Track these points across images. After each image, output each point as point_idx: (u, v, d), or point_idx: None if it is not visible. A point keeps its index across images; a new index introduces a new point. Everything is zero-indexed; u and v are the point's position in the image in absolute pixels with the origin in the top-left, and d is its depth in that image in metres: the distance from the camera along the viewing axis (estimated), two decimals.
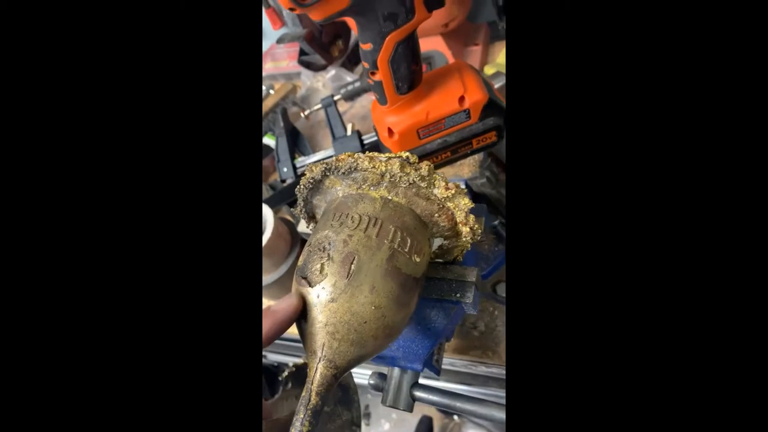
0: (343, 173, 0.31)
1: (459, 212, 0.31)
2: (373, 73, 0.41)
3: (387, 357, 0.39)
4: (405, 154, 0.30)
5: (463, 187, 0.49)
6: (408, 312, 0.31)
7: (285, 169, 0.73)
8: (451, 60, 0.72)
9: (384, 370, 0.43)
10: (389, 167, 0.30)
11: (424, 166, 0.30)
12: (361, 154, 0.31)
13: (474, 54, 0.75)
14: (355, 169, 0.31)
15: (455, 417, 1.13)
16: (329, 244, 0.29)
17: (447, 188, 0.30)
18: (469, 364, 0.55)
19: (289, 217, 0.71)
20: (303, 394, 0.27)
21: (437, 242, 0.34)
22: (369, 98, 0.78)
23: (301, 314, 0.29)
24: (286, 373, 0.56)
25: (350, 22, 0.55)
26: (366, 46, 0.39)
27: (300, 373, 0.56)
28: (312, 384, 0.27)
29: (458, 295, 0.36)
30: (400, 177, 0.30)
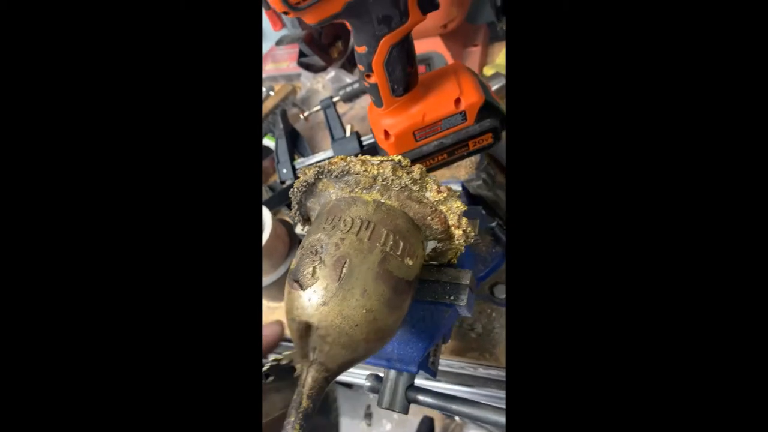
0: (336, 176, 0.31)
1: (451, 215, 0.31)
2: (368, 76, 0.41)
3: (382, 359, 0.39)
4: (397, 158, 0.31)
5: (459, 189, 0.49)
6: (400, 315, 0.31)
7: (284, 171, 0.73)
8: (450, 61, 0.72)
9: (380, 371, 0.43)
10: (381, 170, 0.30)
11: (416, 170, 0.30)
12: (353, 158, 0.31)
13: (473, 55, 0.75)
14: (348, 172, 0.31)
15: (456, 417, 1.13)
16: (321, 247, 0.30)
17: (439, 191, 0.30)
18: (466, 366, 0.55)
19: (288, 219, 0.72)
20: (294, 397, 0.27)
21: (431, 245, 0.34)
22: (368, 99, 0.78)
23: (293, 317, 0.29)
24: (266, 367, 0.55)
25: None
26: (361, 49, 0.39)
27: (281, 368, 0.56)
28: (303, 387, 0.27)
29: (452, 297, 0.36)
30: (392, 180, 0.30)
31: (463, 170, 0.49)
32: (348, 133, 0.69)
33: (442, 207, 0.31)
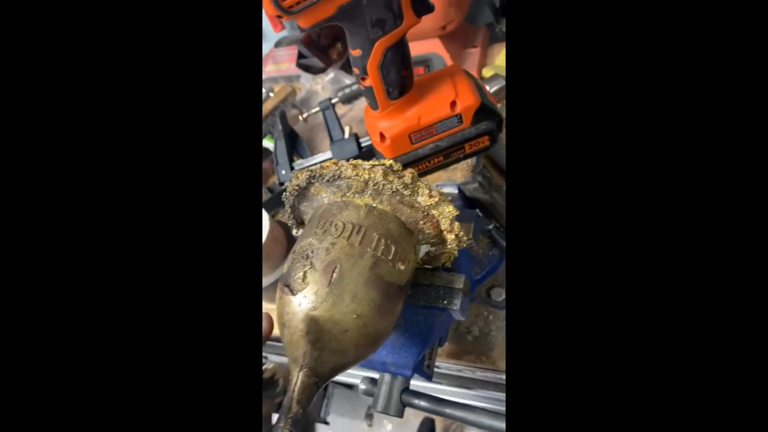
0: (328, 181, 0.31)
1: (444, 220, 0.31)
2: (363, 79, 0.41)
3: (377, 362, 0.39)
4: (389, 162, 0.30)
5: (455, 191, 0.49)
6: (391, 320, 0.31)
7: (283, 172, 0.73)
8: (449, 62, 0.71)
9: (376, 374, 0.43)
10: (372, 175, 0.30)
11: (408, 174, 0.30)
12: (344, 162, 0.31)
13: (473, 56, 0.75)
14: (339, 176, 0.31)
15: None
16: (312, 251, 0.30)
17: (431, 196, 0.30)
18: (463, 369, 0.55)
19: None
20: (284, 402, 0.27)
21: (424, 249, 0.34)
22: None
23: (283, 322, 0.29)
24: None
25: None
26: (355, 52, 0.39)
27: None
28: (293, 392, 0.27)
29: (446, 302, 0.36)
30: (384, 185, 0.30)
31: (459, 173, 0.49)
32: (347, 135, 0.69)
33: (434, 211, 0.31)
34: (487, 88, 0.66)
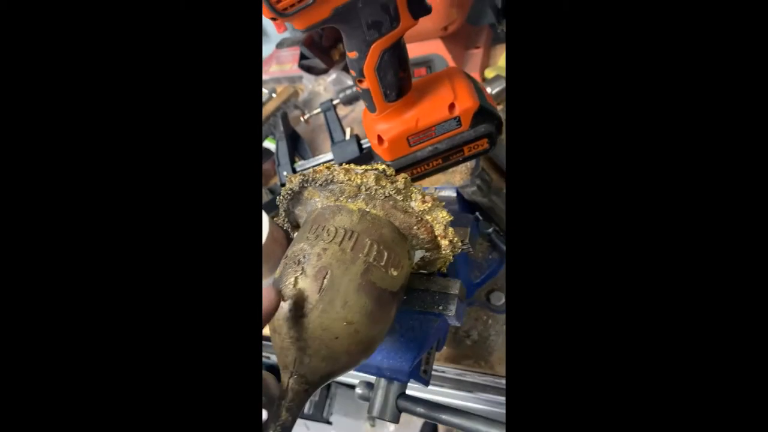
0: (320, 185, 0.31)
1: (437, 225, 0.31)
2: (360, 81, 0.41)
3: (372, 368, 0.39)
4: (382, 167, 0.30)
5: (453, 194, 0.48)
6: (384, 327, 0.30)
7: (285, 173, 0.73)
8: (451, 63, 0.71)
9: (373, 379, 0.43)
10: (365, 180, 0.29)
11: (401, 179, 0.30)
12: (337, 166, 0.30)
13: (475, 57, 0.74)
14: (332, 181, 0.30)
15: None
16: (304, 257, 0.29)
17: (424, 201, 0.30)
18: (462, 373, 0.54)
19: None
20: (273, 409, 0.27)
21: (419, 254, 0.34)
22: None
23: (274, 328, 0.29)
24: None
25: None
26: (352, 54, 0.39)
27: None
28: (282, 399, 0.27)
29: (441, 307, 0.35)
30: (376, 190, 0.30)
31: (458, 176, 0.49)
32: (348, 136, 0.69)
33: (427, 216, 0.30)
34: (489, 89, 0.65)
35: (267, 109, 0.82)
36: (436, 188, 0.50)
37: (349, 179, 0.30)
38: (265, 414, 0.31)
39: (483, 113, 0.44)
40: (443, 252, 0.32)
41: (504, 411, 0.53)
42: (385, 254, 0.30)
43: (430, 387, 0.58)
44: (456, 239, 0.31)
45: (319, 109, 0.72)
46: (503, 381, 0.52)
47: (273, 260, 0.62)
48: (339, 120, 0.70)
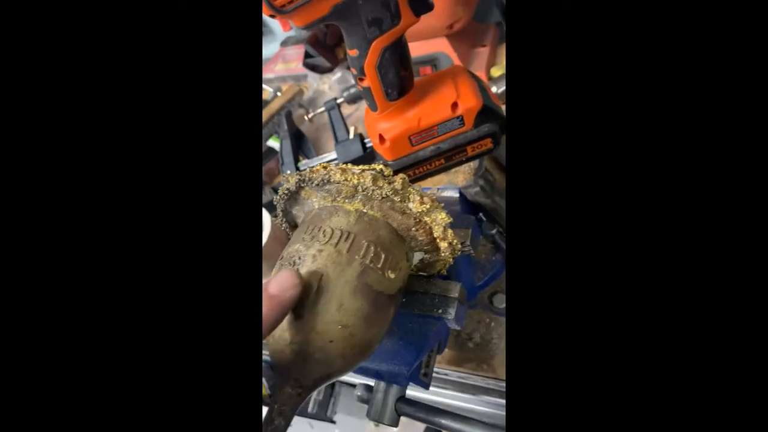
0: (317, 185, 0.31)
1: (436, 227, 0.30)
2: (361, 80, 0.40)
3: (370, 370, 0.39)
4: (379, 167, 0.29)
5: (456, 195, 0.47)
6: (380, 330, 0.30)
7: (288, 172, 0.73)
8: (456, 62, 0.70)
9: (373, 381, 0.42)
10: (361, 180, 0.29)
11: (398, 180, 0.29)
12: (333, 166, 0.30)
13: (481, 55, 0.73)
14: (328, 181, 0.30)
15: None
16: (299, 258, 0.29)
17: (422, 202, 0.29)
18: (465, 376, 0.53)
19: None
20: (265, 414, 0.26)
21: (418, 256, 0.33)
22: None
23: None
24: None
25: None
26: (352, 52, 0.38)
27: None
28: (276, 403, 0.26)
29: (440, 310, 0.34)
30: (373, 190, 0.29)
31: (461, 176, 0.48)
32: (351, 135, 0.68)
33: (426, 218, 0.30)
34: (495, 88, 0.64)
35: (271, 108, 0.82)
36: (438, 188, 0.49)
37: (346, 179, 0.29)
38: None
39: (487, 113, 0.44)
40: (443, 254, 0.32)
41: None
42: (383, 256, 0.29)
43: (432, 389, 0.58)
44: (455, 241, 0.31)
45: (323, 108, 0.72)
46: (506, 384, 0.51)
47: (275, 259, 0.61)
48: (343, 119, 0.69)
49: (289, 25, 0.90)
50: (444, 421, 0.39)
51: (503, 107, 0.48)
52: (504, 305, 0.51)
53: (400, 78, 0.40)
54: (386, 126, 0.44)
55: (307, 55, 0.79)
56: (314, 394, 0.28)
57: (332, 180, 0.30)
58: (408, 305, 0.35)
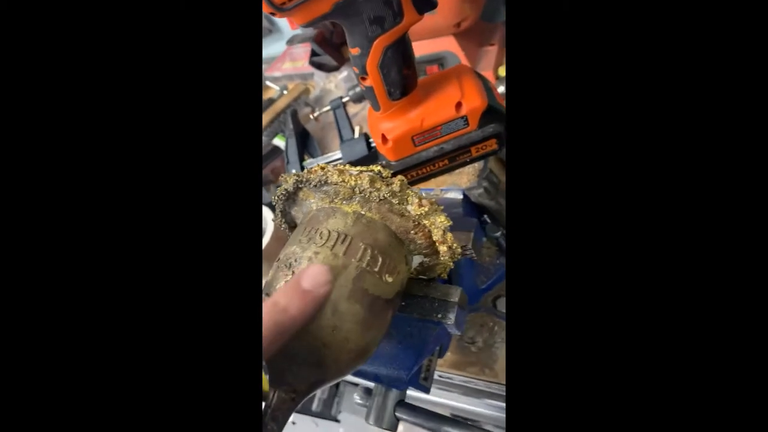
0: (315, 186, 0.30)
1: (435, 230, 0.29)
2: (363, 79, 0.40)
3: (369, 374, 0.38)
4: (377, 168, 0.29)
5: (460, 197, 0.47)
6: (377, 335, 0.29)
7: (294, 171, 0.73)
8: (463, 61, 0.69)
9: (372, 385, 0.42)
10: (359, 181, 0.28)
11: (396, 182, 0.28)
12: (331, 167, 0.29)
13: (489, 54, 0.72)
14: (326, 182, 0.29)
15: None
16: (295, 260, 0.28)
17: (421, 205, 0.28)
18: (468, 380, 0.53)
19: None
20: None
21: (417, 259, 0.32)
22: None
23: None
24: None
25: None
26: (354, 51, 0.38)
27: None
28: (269, 408, 0.26)
29: (440, 315, 0.34)
30: (371, 192, 0.28)
31: (465, 177, 0.47)
32: (356, 135, 0.68)
33: (425, 221, 0.29)
34: (502, 88, 0.63)
35: (277, 107, 0.82)
36: (441, 190, 0.48)
37: (344, 180, 0.29)
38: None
39: (492, 113, 0.43)
40: (442, 258, 0.31)
41: None
42: (380, 259, 0.28)
43: (435, 391, 0.57)
44: (455, 245, 0.30)
45: (328, 107, 0.71)
46: None
47: None
48: (348, 118, 0.69)
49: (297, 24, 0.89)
50: (444, 428, 0.38)
51: None
52: None
53: (403, 77, 0.40)
54: (389, 126, 0.43)
55: (313, 54, 0.79)
56: (318, 393, 0.27)
57: (330, 181, 0.29)
58: (407, 309, 0.35)
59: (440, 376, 0.55)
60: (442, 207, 0.29)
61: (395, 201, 0.28)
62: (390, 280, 0.29)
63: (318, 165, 0.29)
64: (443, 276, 0.35)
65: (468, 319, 0.53)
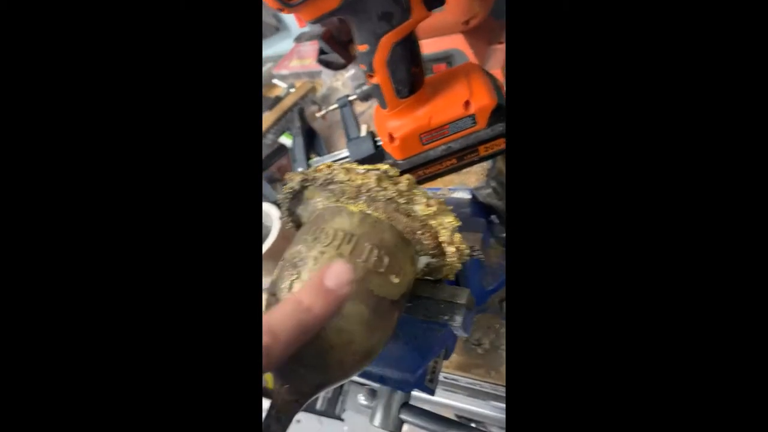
0: (321, 185, 0.30)
1: (443, 231, 0.29)
2: (370, 76, 0.39)
3: (374, 375, 0.38)
4: (384, 167, 0.28)
5: (468, 197, 0.46)
6: (382, 336, 0.29)
7: (300, 170, 0.72)
8: (472, 59, 0.68)
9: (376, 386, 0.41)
10: (365, 181, 0.28)
11: (404, 181, 0.28)
12: (337, 166, 0.29)
13: (498, 53, 0.71)
14: (332, 181, 0.29)
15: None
16: (301, 260, 0.28)
17: (428, 205, 0.28)
18: (473, 382, 0.52)
19: None
20: (263, 421, 0.26)
21: (423, 260, 0.32)
22: None
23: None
24: None
25: None
26: (362, 48, 0.37)
27: None
28: (273, 409, 0.26)
29: (446, 317, 0.33)
30: (377, 191, 0.28)
31: (473, 177, 0.46)
32: (363, 133, 0.67)
33: (432, 222, 0.29)
34: None
35: (284, 105, 0.81)
36: (449, 189, 0.48)
37: (350, 179, 0.28)
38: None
39: (501, 112, 0.42)
40: (449, 259, 0.31)
41: None
42: (386, 260, 0.28)
43: (440, 393, 0.57)
44: (463, 246, 0.29)
45: (335, 105, 0.71)
46: None
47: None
48: (355, 116, 0.68)
49: (305, 21, 0.89)
50: (448, 431, 0.37)
51: None
52: None
53: (411, 75, 0.39)
54: (396, 124, 0.43)
55: (321, 52, 0.78)
56: (323, 392, 0.27)
57: (336, 180, 0.29)
58: (413, 310, 0.34)
59: (445, 378, 0.55)
60: (450, 207, 0.28)
61: (402, 201, 0.28)
62: (396, 281, 0.28)
63: (324, 163, 0.29)
64: (450, 277, 0.34)
65: (474, 320, 0.53)
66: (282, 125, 0.80)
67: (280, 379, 0.26)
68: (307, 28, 0.92)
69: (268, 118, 0.81)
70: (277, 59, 1.02)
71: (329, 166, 0.29)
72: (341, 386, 1.12)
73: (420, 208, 0.28)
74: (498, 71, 0.69)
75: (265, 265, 0.57)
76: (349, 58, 0.80)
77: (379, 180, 0.28)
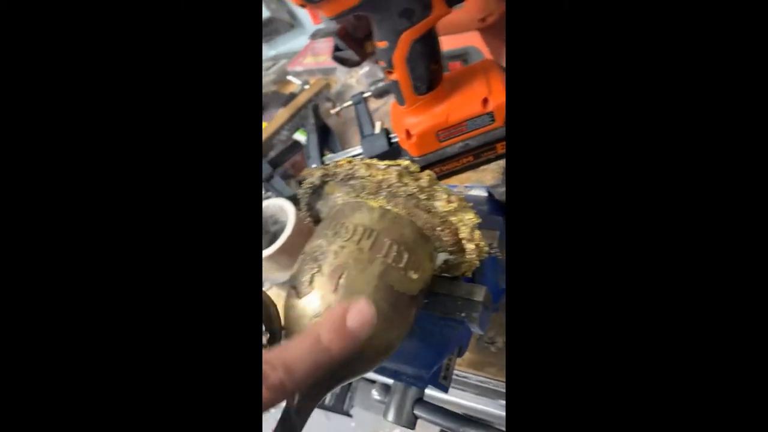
0: (341, 180, 0.30)
1: (463, 227, 0.29)
2: (389, 72, 0.39)
3: (389, 371, 0.38)
4: (405, 163, 0.28)
5: (484, 194, 0.46)
6: (400, 332, 0.29)
7: (314, 166, 0.73)
8: (488, 56, 0.68)
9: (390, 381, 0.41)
10: (386, 176, 0.28)
11: (425, 177, 0.28)
12: (358, 161, 0.29)
13: None
14: (353, 176, 0.29)
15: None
16: (321, 254, 0.28)
17: (449, 201, 0.28)
18: (485, 381, 0.52)
19: None
20: (282, 413, 0.26)
21: (442, 257, 0.32)
22: None
23: (285, 327, 0.28)
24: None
25: None
26: (381, 44, 0.37)
27: None
28: (292, 401, 0.26)
29: (464, 314, 0.33)
30: (398, 187, 0.28)
31: (489, 175, 0.46)
32: (377, 130, 0.67)
33: (452, 218, 0.29)
34: None
35: (298, 101, 0.82)
36: (465, 186, 0.48)
37: (371, 175, 0.28)
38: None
39: None
40: (468, 256, 0.31)
41: None
42: (405, 255, 0.28)
43: (453, 392, 0.57)
44: (483, 243, 0.29)
45: (349, 102, 0.71)
46: None
47: (297, 253, 0.61)
48: (369, 113, 0.68)
49: (319, 18, 0.89)
50: (462, 429, 0.38)
51: None
52: None
53: (430, 71, 0.39)
54: (414, 121, 0.43)
55: (336, 49, 0.79)
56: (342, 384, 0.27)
57: (357, 175, 0.29)
58: (430, 306, 0.34)
59: (456, 375, 0.55)
60: (471, 204, 0.28)
61: (423, 196, 0.28)
62: (415, 276, 0.28)
63: (345, 158, 0.29)
64: (468, 274, 0.34)
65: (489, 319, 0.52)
66: (296, 122, 0.81)
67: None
68: (322, 25, 0.92)
69: (282, 114, 0.82)
70: (292, 56, 1.02)
71: (350, 161, 0.29)
72: (349, 383, 1.12)
73: (441, 205, 0.28)
74: None
75: (280, 260, 0.58)
76: (363, 55, 0.80)
77: (400, 176, 0.28)
